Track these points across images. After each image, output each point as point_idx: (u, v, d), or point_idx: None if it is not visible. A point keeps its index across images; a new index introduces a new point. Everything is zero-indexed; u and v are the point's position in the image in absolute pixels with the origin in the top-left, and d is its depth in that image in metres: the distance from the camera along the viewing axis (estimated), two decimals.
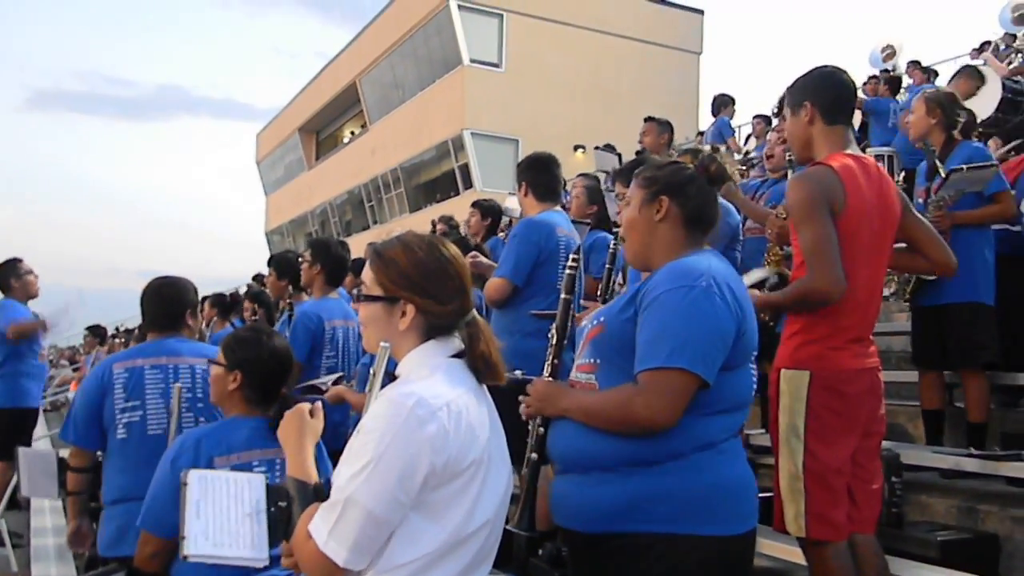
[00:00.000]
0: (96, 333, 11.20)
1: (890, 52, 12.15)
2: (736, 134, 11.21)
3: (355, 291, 1.84)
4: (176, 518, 2.44)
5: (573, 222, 4.20)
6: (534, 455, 2.19)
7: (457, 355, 1.78)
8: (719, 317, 1.92)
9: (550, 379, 2.25)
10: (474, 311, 1.83)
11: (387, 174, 27.42)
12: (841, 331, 2.54)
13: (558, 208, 4.09)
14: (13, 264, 6.24)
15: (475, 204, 6.50)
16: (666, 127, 6.28)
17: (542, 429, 2.16)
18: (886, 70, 11.51)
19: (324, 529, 1.59)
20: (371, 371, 1.75)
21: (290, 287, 5.07)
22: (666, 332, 1.90)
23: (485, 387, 1.81)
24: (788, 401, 2.55)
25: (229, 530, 2.04)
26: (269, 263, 5.67)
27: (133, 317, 16.72)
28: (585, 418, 1.99)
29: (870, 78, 10.57)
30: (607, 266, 3.94)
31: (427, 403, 1.60)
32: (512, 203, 8.53)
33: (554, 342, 2.33)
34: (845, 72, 2.75)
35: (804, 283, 2.53)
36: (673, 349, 1.87)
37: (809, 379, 2.51)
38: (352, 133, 31.76)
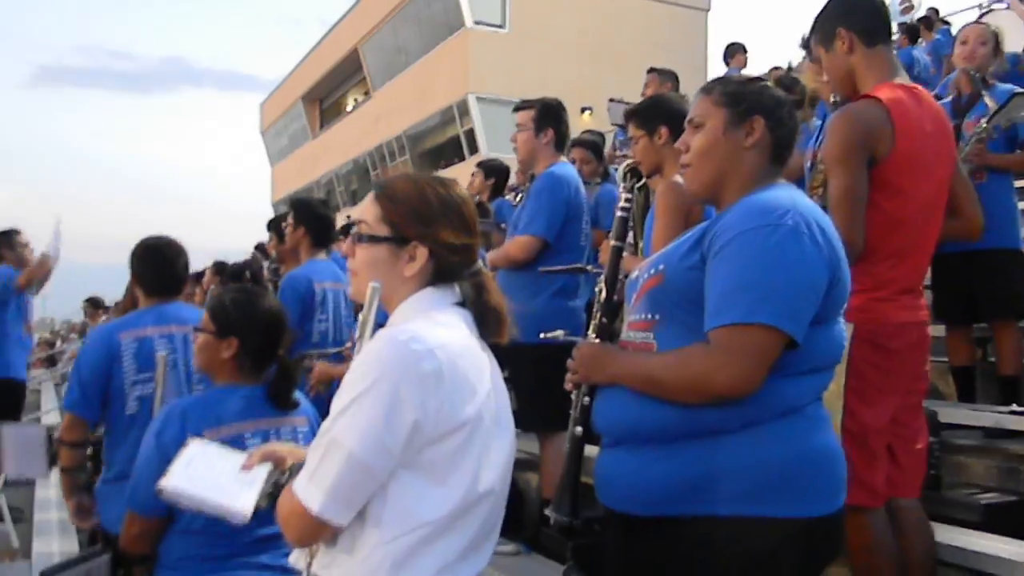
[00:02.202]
0: (95, 304, 11.30)
1: (908, 5, 11.88)
2: None
3: (354, 232, 1.61)
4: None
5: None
6: (578, 429, 1.88)
7: (459, 304, 1.61)
8: (809, 262, 1.62)
9: (597, 340, 1.93)
10: (480, 261, 1.66)
11: (392, 141, 27.20)
12: (890, 281, 2.32)
13: (564, 159, 3.94)
14: (9, 235, 6.13)
15: (479, 164, 6.48)
16: (668, 77, 6.19)
17: (587, 399, 1.85)
18: (904, 23, 11.26)
19: (304, 476, 1.45)
20: (360, 317, 1.56)
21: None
22: (745, 281, 1.59)
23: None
24: None
25: (215, 482, 1.91)
26: (268, 227, 5.63)
27: None
28: (644, 385, 1.68)
29: None
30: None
31: (423, 339, 1.43)
32: None
33: (602, 298, 2.02)
34: None
35: None
36: (754, 301, 1.58)
37: (852, 333, 2.27)
38: (355, 100, 31.50)
